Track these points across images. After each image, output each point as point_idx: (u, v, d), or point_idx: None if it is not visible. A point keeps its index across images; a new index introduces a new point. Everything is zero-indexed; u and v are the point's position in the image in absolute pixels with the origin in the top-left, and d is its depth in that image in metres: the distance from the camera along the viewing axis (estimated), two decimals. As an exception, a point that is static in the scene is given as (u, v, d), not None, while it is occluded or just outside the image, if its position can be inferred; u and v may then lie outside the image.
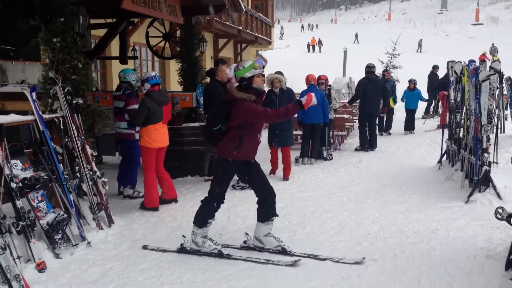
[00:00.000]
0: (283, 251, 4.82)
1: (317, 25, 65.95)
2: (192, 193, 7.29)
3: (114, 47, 10.86)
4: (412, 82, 14.40)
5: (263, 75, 4.79)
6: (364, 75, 11.64)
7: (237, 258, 4.71)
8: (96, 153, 5.84)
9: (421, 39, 48.74)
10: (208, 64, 17.21)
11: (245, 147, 4.69)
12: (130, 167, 7.11)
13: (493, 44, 31.55)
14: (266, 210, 4.90)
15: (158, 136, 6.34)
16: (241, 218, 6.05)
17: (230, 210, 6.40)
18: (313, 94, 4.72)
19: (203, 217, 4.85)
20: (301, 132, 10.37)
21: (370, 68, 11.55)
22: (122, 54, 10.30)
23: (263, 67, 4.71)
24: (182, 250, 4.88)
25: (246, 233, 5.12)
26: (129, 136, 7.02)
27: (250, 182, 5.00)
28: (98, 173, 5.63)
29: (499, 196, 6.44)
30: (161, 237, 5.40)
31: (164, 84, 14.74)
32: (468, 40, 53.78)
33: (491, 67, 7.55)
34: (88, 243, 5.07)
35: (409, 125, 14.05)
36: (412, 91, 14.34)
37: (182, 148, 8.16)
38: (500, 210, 4.74)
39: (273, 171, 8.66)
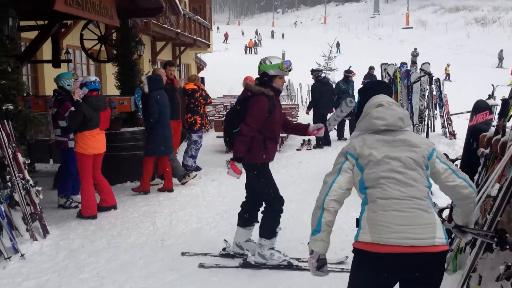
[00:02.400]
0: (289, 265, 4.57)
1: (283, 35, 64.98)
2: (132, 199, 7.13)
3: (46, 50, 10.42)
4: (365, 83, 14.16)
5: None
6: (304, 78, 12.11)
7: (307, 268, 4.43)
8: (29, 161, 5.58)
9: (338, 41, 49.99)
10: (146, 67, 16.91)
11: (270, 148, 4.51)
12: (64, 176, 6.84)
13: (415, 48, 33.46)
14: (251, 215, 4.71)
15: (94, 142, 6.16)
16: (183, 223, 5.99)
17: (172, 215, 6.32)
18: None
19: (270, 227, 4.52)
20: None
21: (318, 72, 12.42)
22: (55, 57, 9.91)
23: (290, 70, 4.49)
24: (245, 265, 4.53)
25: (225, 240, 4.99)
26: (62, 143, 6.74)
27: (265, 182, 4.59)
28: (31, 182, 5.37)
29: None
30: (100, 245, 5.24)
31: (100, 88, 14.32)
32: (399, 43, 56.14)
33: (421, 69, 7.93)
34: (22, 255, 4.83)
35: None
36: None
37: (120, 154, 7.94)
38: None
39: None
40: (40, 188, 5.47)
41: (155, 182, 7.92)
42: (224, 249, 4.90)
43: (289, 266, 4.48)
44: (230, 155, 10.50)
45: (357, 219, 2.52)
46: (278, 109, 4.55)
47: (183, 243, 5.27)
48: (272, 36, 63.78)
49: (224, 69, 34.98)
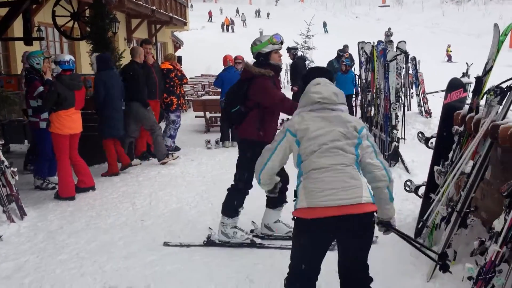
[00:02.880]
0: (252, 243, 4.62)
1: (268, 14, 62.90)
2: (110, 180, 7.07)
3: (18, 28, 10.11)
4: (344, 64, 11.87)
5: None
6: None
7: (270, 246, 4.53)
8: (3, 142, 5.47)
9: (324, 21, 49.85)
10: (122, 45, 16.61)
11: (267, 127, 4.43)
12: (40, 157, 6.71)
13: (389, 28, 33.15)
14: (280, 195, 4.55)
15: (70, 122, 6.06)
16: (163, 203, 5.98)
17: (151, 195, 6.31)
18: None
19: (233, 206, 4.55)
20: (220, 115, 10.38)
21: (296, 50, 12.19)
22: (27, 35, 9.62)
23: (281, 42, 4.42)
24: (209, 243, 4.57)
25: (253, 222, 4.96)
26: (33, 124, 6.58)
27: (248, 164, 4.37)
28: (6, 163, 5.28)
29: (407, 170, 6.88)
30: (79, 226, 5.20)
31: (75, 67, 14.04)
32: (376, 22, 56.26)
33: (397, 48, 7.98)
34: (-1, 237, 4.78)
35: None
36: (345, 74, 11.79)
37: (97, 134, 7.84)
38: (408, 183, 5.09)
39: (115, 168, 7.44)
40: (15, 169, 5.39)
41: (135, 162, 7.86)
42: (252, 231, 4.85)
43: (252, 244, 4.54)
44: (208, 135, 10.51)
45: (294, 190, 2.81)
46: (277, 88, 4.54)
47: (163, 223, 5.27)
48: (257, 14, 62.17)
49: (201, 48, 34.67)
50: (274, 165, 2.92)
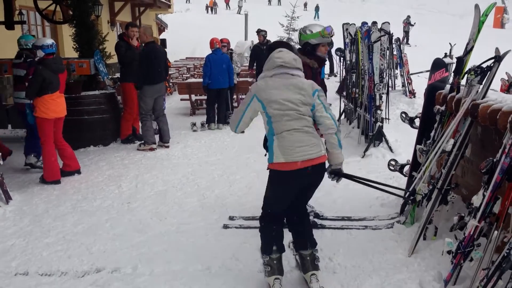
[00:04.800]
0: (316, 216, 4.68)
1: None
2: (96, 164, 7.05)
3: (-2, 11, 9.95)
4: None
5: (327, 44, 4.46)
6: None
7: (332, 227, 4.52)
8: (-14, 127, 5.43)
9: (317, 4, 49.53)
10: (105, 29, 16.40)
11: None
12: (32, 137, 6.63)
13: (408, 16, 31.85)
14: None
15: (55, 106, 6.01)
16: (149, 186, 6.00)
17: (137, 178, 6.32)
18: None
19: None
20: (205, 97, 10.36)
21: (265, 33, 11.86)
22: (8, 19, 9.48)
23: (332, 36, 4.37)
24: None
25: None
26: (22, 106, 6.57)
27: None
28: (-10, 148, 5.25)
29: (391, 150, 6.97)
30: (65, 210, 5.20)
31: (57, 51, 13.84)
32: (361, 3, 56.06)
33: (381, 29, 7.99)
34: (-15, 222, 4.77)
35: None
36: None
37: (82, 118, 7.82)
38: (392, 162, 5.17)
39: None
40: (0, 154, 5.35)
41: (141, 148, 7.86)
42: None
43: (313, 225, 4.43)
44: (194, 118, 10.49)
45: (266, 146, 3.37)
46: (316, 81, 4.49)
47: (150, 205, 5.30)
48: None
49: (186, 30, 34.30)
50: (246, 121, 3.44)
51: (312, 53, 4.30)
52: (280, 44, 3.69)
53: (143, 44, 7.98)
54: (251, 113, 3.39)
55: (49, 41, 6.13)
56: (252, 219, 4.73)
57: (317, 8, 47.14)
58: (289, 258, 3.84)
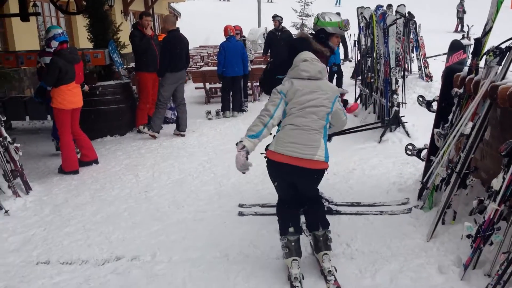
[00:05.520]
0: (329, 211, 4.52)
1: None
2: (113, 153, 7.12)
3: (13, 4, 10.03)
4: None
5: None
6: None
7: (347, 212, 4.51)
8: (4, 118, 5.50)
9: None
10: (118, 18, 16.44)
11: None
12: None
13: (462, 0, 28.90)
14: None
15: (71, 96, 6.06)
16: (166, 174, 6.04)
17: (154, 167, 6.36)
18: (359, 107, 4.44)
19: None
20: (220, 85, 10.35)
21: (281, 19, 11.60)
22: (23, 11, 9.55)
23: (347, 29, 4.35)
24: None
25: None
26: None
27: None
28: (9, 139, 5.32)
29: (408, 134, 6.89)
30: (84, 199, 5.27)
31: (72, 42, 13.94)
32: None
33: (397, 12, 7.86)
34: (6, 211, 4.86)
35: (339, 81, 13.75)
36: None
37: (98, 108, 7.88)
38: (410, 147, 5.12)
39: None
40: (19, 145, 5.43)
41: (145, 130, 7.93)
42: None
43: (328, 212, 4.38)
44: (209, 106, 10.49)
45: (274, 135, 3.47)
46: None
47: (167, 193, 5.34)
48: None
49: (199, 19, 34.25)
50: (278, 117, 3.40)
51: (325, 42, 4.19)
52: (301, 44, 3.84)
53: (157, 34, 7.99)
54: (279, 112, 3.41)
55: (59, 29, 6.17)
56: (263, 206, 4.76)
57: None
58: (306, 244, 3.84)
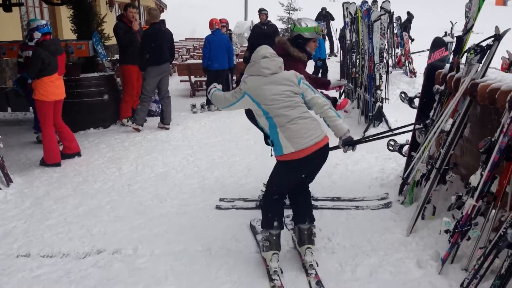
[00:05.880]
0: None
1: None
2: (96, 146, 7.07)
3: (-5, -7, 9.85)
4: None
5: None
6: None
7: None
8: (-14, 110, 5.43)
9: None
10: (103, 10, 16.26)
11: None
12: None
13: None
14: None
15: (54, 88, 5.99)
16: (149, 168, 6.02)
17: (137, 160, 6.33)
18: (349, 102, 4.43)
19: None
20: (205, 79, 10.31)
21: (267, 12, 11.57)
22: (5, 1, 9.40)
23: (323, 33, 4.41)
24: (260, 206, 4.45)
25: (264, 184, 4.90)
26: None
27: None
28: (-11, 131, 5.25)
29: (390, 130, 6.95)
30: (66, 192, 5.23)
31: (55, 33, 13.76)
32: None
33: (381, 8, 7.91)
34: (-14, 204, 4.80)
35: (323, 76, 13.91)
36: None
37: (82, 100, 7.80)
38: (392, 143, 5.15)
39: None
40: (0, 137, 5.36)
41: (128, 124, 7.89)
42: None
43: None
44: (194, 100, 10.46)
45: (270, 140, 3.47)
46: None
47: (150, 187, 5.32)
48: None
49: (185, 11, 34.04)
50: (233, 108, 3.63)
51: (302, 47, 4.27)
52: (261, 39, 3.76)
53: (142, 26, 7.94)
54: (241, 105, 3.54)
55: (42, 21, 6.10)
56: (243, 200, 4.79)
57: None
58: (288, 238, 3.87)
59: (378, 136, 3.89)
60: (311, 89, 3.50)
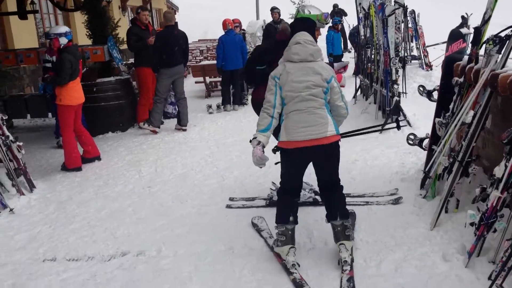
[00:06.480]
0: (316, 193, 4.60)
1: None
2: (115, 149, 7.14)
3: (11, 2, 10.00)
4: (337, 22, 12.56)
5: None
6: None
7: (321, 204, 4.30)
8: (6, 117, 5.51)
9: None
10: (117, 14, 16.40)
11: None
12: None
13: None
14: None
15: (77, 92, 6.13)
16: (169, 169, 6.06)
17: (156, 162, 6.38)
18: (342, 76, 4.47)
19: None
20: (220, 79, 10.34)
21: (279, 10, 11.71)
22: (20, 8, 9.52)
23: (327, 23, 4.47)
24: (271, 203, 4.54)
25: (273, 182, 4.90)
26: None
27: None
28: (11, 138, 5.33)
29: (409, 124, 6.89)
30: (88, 196, 5.29)
31: (71, 39, 13.88)
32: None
33: (395, 1, 7.84)
34: (11, 210, 4.88)
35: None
36: (337, 33, 12.65)
37: (99, 105, 7.89)
38: (411, 136, 5.12)
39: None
40: (21, 143, 5.45)
41: (145, 127, 7.94)
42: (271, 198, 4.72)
43: (314, 203, 4.49)
44: (210, 100, 10.49)
45: (279, 125, 3.53)
46: None
47: (170, 188, 5.35)
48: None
49: (197, 12, 34.11)
50: (278, 105, 3.51)
51: None
52: (301, 24, 3.86)
53: (156, 29, 7.98)
54: (279, 98, 3.49)
55: (67, 28, 6.21)
56: (252, 199, 4.81)
57: None
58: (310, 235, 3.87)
59: (366, 131, 3.97)
60: (342, 95, 3.56)
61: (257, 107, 4.53)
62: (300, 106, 3.39)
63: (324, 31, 13.61)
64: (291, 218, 3.55)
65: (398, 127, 4.38)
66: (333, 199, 3.60)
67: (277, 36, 4.51)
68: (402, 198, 4.48)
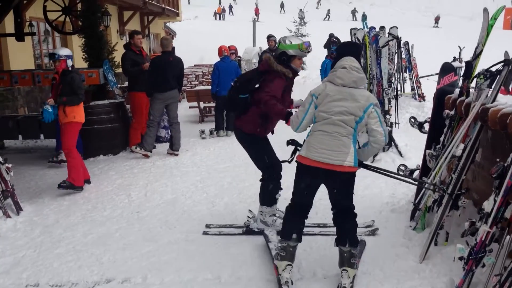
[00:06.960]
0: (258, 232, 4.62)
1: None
2: (105, 173, 7.08)
3: (9, 23, 10.06)
4: (333, 52, 13.30)
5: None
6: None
7: (309, 233, 4.42)
8: (-4, 139, 5.48)
9: (328, 9, 49.98)
10: (114, 38, 16.52)
11: (268, 126, 4.51)
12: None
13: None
14: (270, 183, 4.62)
15: (82, 110, 6.24)
16: (159, 194, 6.00)
17: (146, 186, 6.33)
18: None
19: (269, 194, 4.61)
20: (214, 105, 10.37)
21: (275, 38, 11.77)
22: (18, 30, 9.58)
23: (308, 51, 4.56)
24: (248, 231, 4.60)
25: (250, 210, 4.84)
26: None
27: (258, 148, 4.63)
28: (0, 159, 5.29)
29: (400, 154, 6.93)
30: (75, 220, 5.21)
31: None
32: (370, 7, 55.97)
33: (389, 33, 7.95)
34: (-4, 233, 4.80)
35: None
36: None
37: (92, 127, 7.85)
38: (402, 167, 5.12)
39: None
40: (10, 165, 5.40)
41: (137, 150, 7.90)
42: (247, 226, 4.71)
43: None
44: (203, 126, 10.51)
45: (304, 140, 3.63)
46: (288, 92, 4.54)
47: (159, 214, 5.30)
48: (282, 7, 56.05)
49: (194, 38, 34.51)
50: (306, 124, 3.65)
51: (287, 64, 4.36)
52: (348, 48, 3.89)
53: (149, 54, 8.03)
54: (309, 117, 3.59)
55: (69, 50, 6.36)
56: (229, 226, 4.81)
57: (364, 17, 45.13)
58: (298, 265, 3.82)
59: (383, 172, 3.92)
60: (380, 120, 3.51)
61: (240, 135, 4.57)
62: (327, 128, 3.45)
63: (320, 59, 13.76)
64: (294, 236, 3.60)
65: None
66: (345, 226, 3.62)
67: (261, 67, 4.57)
68: (378, 229, 4.50)
